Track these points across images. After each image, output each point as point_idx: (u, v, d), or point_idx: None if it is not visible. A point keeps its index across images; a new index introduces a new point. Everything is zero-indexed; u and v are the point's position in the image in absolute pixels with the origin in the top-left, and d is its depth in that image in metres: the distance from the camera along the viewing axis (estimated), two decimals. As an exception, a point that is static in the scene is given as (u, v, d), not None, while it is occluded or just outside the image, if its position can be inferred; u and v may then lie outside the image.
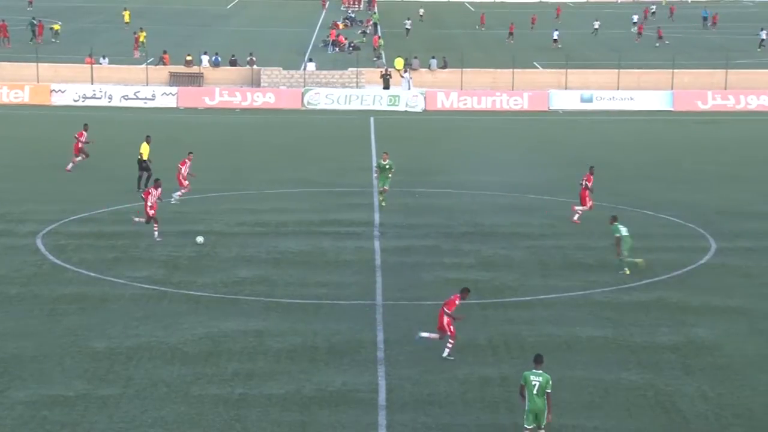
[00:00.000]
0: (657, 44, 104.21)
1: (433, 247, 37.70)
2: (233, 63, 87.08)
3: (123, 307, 30.92)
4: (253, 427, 22.91)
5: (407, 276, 34.34)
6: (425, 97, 76.60)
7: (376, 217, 42.33)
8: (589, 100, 76.22)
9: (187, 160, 44.27)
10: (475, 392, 24.93)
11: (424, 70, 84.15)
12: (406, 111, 75.51)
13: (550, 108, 75.78)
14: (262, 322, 29.67)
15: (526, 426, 21.98)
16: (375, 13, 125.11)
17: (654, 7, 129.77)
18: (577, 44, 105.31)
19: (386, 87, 78.86)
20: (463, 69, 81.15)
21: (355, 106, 76.04)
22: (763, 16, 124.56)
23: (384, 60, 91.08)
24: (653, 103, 75.87)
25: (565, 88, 78.50)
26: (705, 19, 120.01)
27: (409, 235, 39.60)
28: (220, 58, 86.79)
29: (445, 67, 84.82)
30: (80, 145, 51.41)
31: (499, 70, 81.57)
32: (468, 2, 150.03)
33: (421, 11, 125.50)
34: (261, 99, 77.11)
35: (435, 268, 34.95)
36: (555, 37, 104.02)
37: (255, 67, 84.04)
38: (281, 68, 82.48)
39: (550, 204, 45.10)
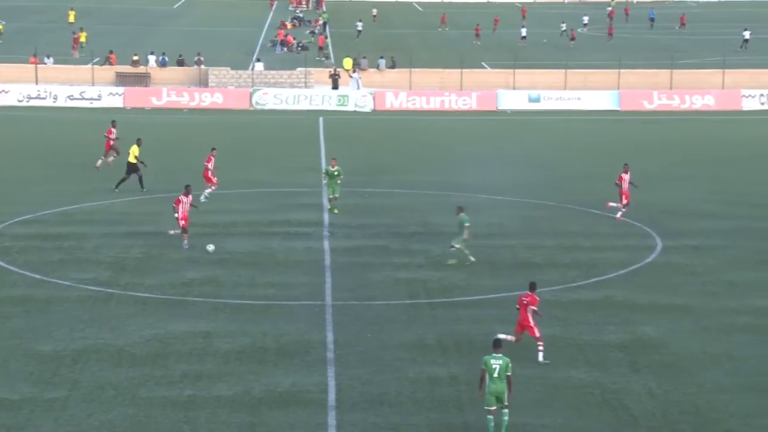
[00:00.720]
0: (608, 41, 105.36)
1: (383, 247, 37.73)
2: (181, 63, 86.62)
3: (69, 309, 30.64)
4: (201, 429, 22.80)
5: (357, 276, 34.35)
6: (374, 97, 76.66)
7: (326, 217, 42.30)
8: (537, 100, 76.64)
9: (212, 156, 44.67)
10: (424, 392, 24.97)
11: (372, 70, 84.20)
12: (355, 111, 75.52)
13: (499, 108, 76.12)
14: (211, 323, 29.54)
15: (488, 408, 22.53)
16: (324, 12, 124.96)
17: (609, 8, 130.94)
18: (530, 45, 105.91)
19: (335, 87, 78.82)
20: (412, 69, 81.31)
21: (304, 106, 75.94)
22: (706, 16, 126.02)
23: (333, 60, 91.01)
24: (600, 102, 76.44)
25: (513, 89, 78.87)
26: (652, 19, 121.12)
27: (358, 235, 39.62)
28: (167, 58, 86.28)
29: (393, 67, 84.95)
30: (111, 142, 51.35)
31: (447, 70, 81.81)
32: (417, 3, 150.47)
33: (374, 11, 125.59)
34: (209, 99, 76.78)
35: (384, 268, 34.99)
36: (523, 34, 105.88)
37: (203, 67, 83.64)
38: (229, 68, 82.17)
39: (499, 203, 45.29)
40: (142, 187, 46.02)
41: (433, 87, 79.59)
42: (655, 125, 68.94)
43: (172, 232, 37.94)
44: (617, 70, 79.81)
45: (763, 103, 75.99)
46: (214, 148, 45.62)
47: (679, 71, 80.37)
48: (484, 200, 45.67)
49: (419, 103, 76.76)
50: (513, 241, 38.90)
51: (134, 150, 46.59)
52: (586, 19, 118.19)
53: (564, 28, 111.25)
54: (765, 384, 25.66)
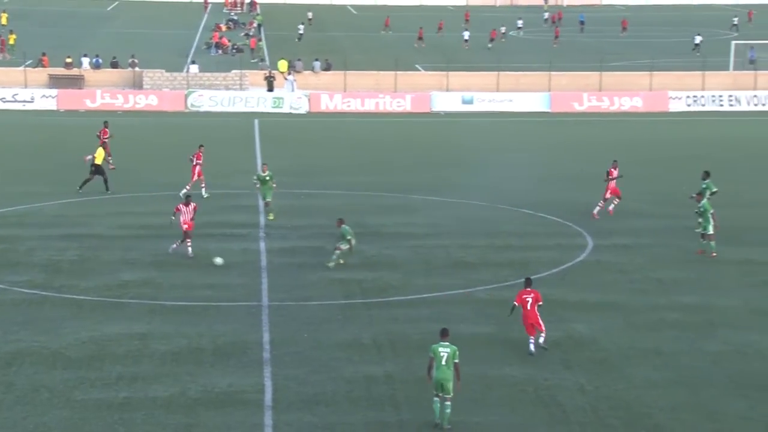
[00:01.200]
0: (554, 45, 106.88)
1: (318, 248, 37.88)
2: (114, 65, 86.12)
3: (2, 312, 30.49)
4: (137, 430, 22.85)
5: (293, 277, 34.53)
6: (309, 99, 76.82)
7: (261, 218, 42.42)
8: (470, 102, 77.27)
9: (200, 153, 46.10)
10: (360, 390, 25.22)
11: (307, 72, 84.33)
12: (290, 113, 75.62)
13: (432, 109, 76.61)
14: (147, 325, 29.56)
15: (435, 392, 23.29)
16: (258, 14, 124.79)
17: (549, 13, 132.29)
18: (458, 48, 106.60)
19: (270, 89, 78.86)
20: (347, 72, 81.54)
21: (239, 108, 75.88)
22: (633, 20, 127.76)
23: (268, 62, 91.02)
24: (531, 104, 77.25)
25: (447, 90, 79.41)
26: (582, 23, 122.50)
27: (294, 236, 39.78)
28: (101, 60, 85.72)
29: (328, 69, 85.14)
30: (105, 142, 51.97)
31: (381, 72, 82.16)
32: (351, 6, 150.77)
33: (310, 15, 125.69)
34: (143, 101, 76.46)
35: (320, 269, 35.16)
36: (466, 37, 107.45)
37: (137, 69, 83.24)
38: (164, 70, 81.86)
39: (433, 204, 45.68)
40: (107, 188, 46.08)
41: (368, 89, 79.91)
42: (585, 126, 69.83)
43: (174, 247, 36.82)
44: (548, 73, 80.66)
45: (689, 105, 77.27)
46: (201, 146, 46.88)
47: (608, 73, 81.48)
48: (418, 200, 46.06)
49: (354, 105, 77.05)
50: (447, 240, 39.28)
51: (100, 153, 47.14)
52: (520, 23, 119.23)
53: (504, 31, 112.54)
54: (692, 379, 26.25)
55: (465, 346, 27.97)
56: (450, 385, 23.19)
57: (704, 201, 37.21)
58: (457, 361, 23.30)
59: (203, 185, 46.01)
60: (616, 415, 24.11)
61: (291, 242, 38.86)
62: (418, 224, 41.73)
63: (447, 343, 23.42)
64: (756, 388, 25.69)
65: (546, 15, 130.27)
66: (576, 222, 42.08)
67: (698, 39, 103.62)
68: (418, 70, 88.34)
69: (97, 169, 46.37)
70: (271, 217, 41.92)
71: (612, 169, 43.11)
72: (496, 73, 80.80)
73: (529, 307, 27.64)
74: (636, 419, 23.91)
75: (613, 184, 42.77)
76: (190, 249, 36.24)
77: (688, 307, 31.62)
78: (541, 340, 27.73)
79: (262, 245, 38.48)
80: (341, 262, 35.33)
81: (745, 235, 38.98)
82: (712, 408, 24.51)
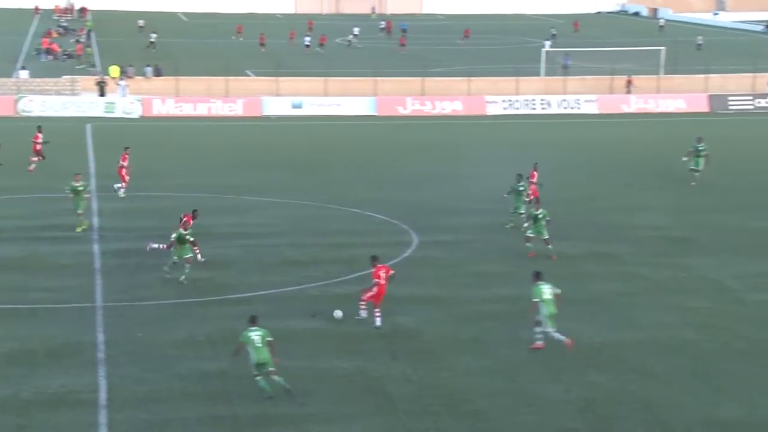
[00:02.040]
0: (462, 42, 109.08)
1: (153, 249, 38.16)
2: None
3: None
4: (-31, 432, 22.93)
5: (127, 278, 34.76)
6: (142, 104, 76.53)
7: (96, 221, 42.42)
8: (300, 106, 78.23)
9: (126, 155, 47.03)
10: (195, 387, 25.76)
11: (139, 78, 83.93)
12: (122, 117, 75.21)
13: (264, 114, 77.21)
14: (-22, 328, 29.47)
15: (256, 373, 24.83)
16: (88, 21, 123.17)
17: (383, 23, 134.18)
18: (287, 54, 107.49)
19: (102, 94, 78.33)
20: (178, 77, 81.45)
21: (72, 113, 74.96)
22: (453, 28, 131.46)
23: (99, 68, 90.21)
24: (358, 108, 78.60)
25: (278, 95, 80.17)
26: (404, 30, 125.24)
27: (128, 237, 39.88)
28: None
29: (159, 74, 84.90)
30: (38, 147, 53.24)
31: (213, 77, 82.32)
32: (182, 13, 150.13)
33: (141, 22, 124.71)
34: (-29, 107, 74.92)
35: (155, 270, 35.38)
36: (307, 43, 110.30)
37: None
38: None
39: (265, 204, 46.34)
40: None
41: (200, 94, 79.98)
42: (410, 129, 71.37)
43: (154, 246, 36.77)
44: (374, 78, 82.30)
45: (505, 108, 79.84)
46: (127, 147, 47.66)
47: (430, 79, 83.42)
48: (251, 201, 46.62)
49: (186, 109, 77.05)
50: (278, 240, 40.02)
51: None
52: (356, 30, 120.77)
53: (351, 38, 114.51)
54: (510, 366, 27.66)
55: (297, 340, 29.03)
56: (270, 362, 24.87)
57: (542, 209, 38.40)
58: (270, 339, 25.19)
59: (123, 185, 46.84)
60: (440, 402, 25.25)
61: (125, 244, 38.97)
62: (251, 224, 42.34)
63: (257, 327, 25.32)
64: (569, 372, 27.22)
65: (382, 24, 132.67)
66: (402, 220, 43.23)
67: (547, 44, 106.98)
68: (249, 76, 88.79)
69: None
70: (80, 230, 40.63)
71: (534, 171, 44.39)
72: (324, 78, 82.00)
73: (383, 281, 29.85)
74: (458, 405, 25.09)
75: (534, 187, 43.90)
76: (199, 255, 35.87)
77: (506, 299, 32.99)
78: (378, 321, 29.83)
79: (96, 247, 38.58)
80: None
81: (556, 231, 40.75)
82: (529, 393, 25.88)
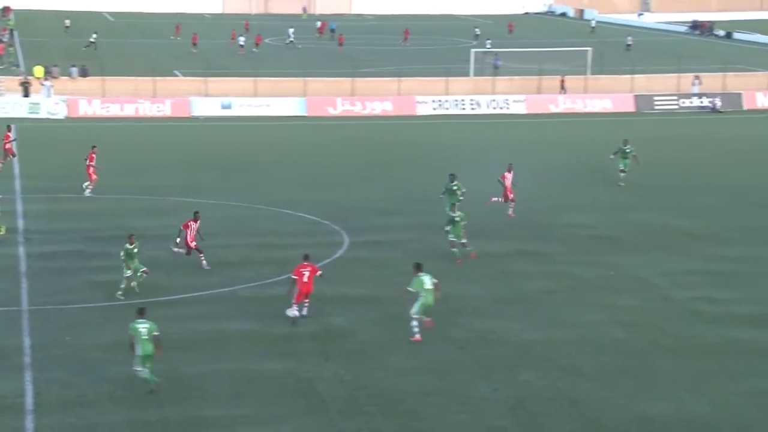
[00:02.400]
0: (404, 44, 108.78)
1: (79, 252, 37.85)
2: None
3: None
4: None
5: (53, 281, 34.41)
6: (67, 105, 75.68)
7: (20, 223, 41.90)
8: (229, 107, 77.89)
9: (93, 155, 47.43)
10: (123, 390, 25.55)
11: (64, 78, 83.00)
12: (47, 118, 74.33)
13: (192, 114, 76.76)
14: None
15: (137, 368, 25.24)
16: (11, 20, 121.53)
17: (318, 23, 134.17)
18: (216, 54, 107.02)
19: (26, 95, 77.35)
20: (105, 77, 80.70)
21: (-6, 113, 74.00)
22: (380, 29, 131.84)
23: (23, 68, 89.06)
24: (288, 109, 78.43)
25: (206, 96, 79.73)
26: (333, 31, 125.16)
27: (54, 240, 39.51)
28: None
29: (85, 75, 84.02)
30: (7, 146, 53.81)
31: (140, 78, 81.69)
32: (107, 13, 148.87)
33: (67, 22, 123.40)
34: None
35: (81, 272, 35.17)
36: (241, 43, 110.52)
37: None
38: None
39: (193, 205, 45.85)
40: None
41: (127, 94, 79.29)
42: (340, 129, 71.44)
43: (175, 249, 36.61)
44: (303, 79, 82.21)
45: (434, 108, 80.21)
46: (94, 146, 47.97)
47: (361, 79, 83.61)
48: (181, 202, 46.28)
49: (113, 110, 76.34)
50: (209, 241, 39.53)
51: None
52: (291, 31, 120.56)
53: (291, 39, 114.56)
54: (441, 365, 27.78)
55: (228, 342, 28.92)
56: (153, 356, 25.43)
57: (459, 212, 38.50)
58: (156, 333, 25.47)
59: (90, 185, 47.06)
60: (373, 402, 25.31)
61: (51, 246, 38.59)
62: (179, 226, 41.98)
63: (144, 320, 25.56)
64: (499, 371, 27.43)
65: (318, 24, 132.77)
66: (333, 220, 43.27)
67: (488, 44, 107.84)
68: (177, 76, 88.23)
69: None
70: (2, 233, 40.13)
71: (506, 173, 44.43)
72: (254, 78, 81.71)
73: (306, 279, 30.28)
74: (390, 405, 25.17)
75: (508, 186, 44.00)
76: (204, 262, 35.78)
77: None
78: (305, 311, 30.29)
79: (21, 250, 38.11)
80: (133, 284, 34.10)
81: (486, 230, 41.04)
82: (460, 391, 26.02)
